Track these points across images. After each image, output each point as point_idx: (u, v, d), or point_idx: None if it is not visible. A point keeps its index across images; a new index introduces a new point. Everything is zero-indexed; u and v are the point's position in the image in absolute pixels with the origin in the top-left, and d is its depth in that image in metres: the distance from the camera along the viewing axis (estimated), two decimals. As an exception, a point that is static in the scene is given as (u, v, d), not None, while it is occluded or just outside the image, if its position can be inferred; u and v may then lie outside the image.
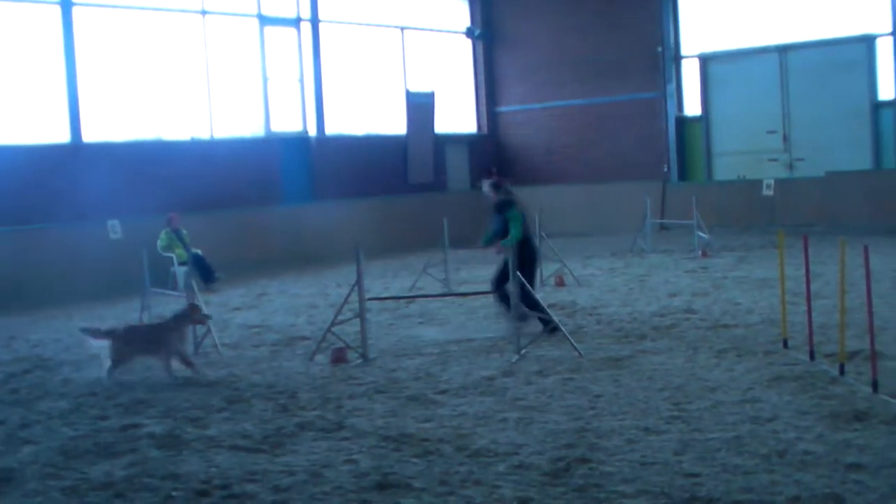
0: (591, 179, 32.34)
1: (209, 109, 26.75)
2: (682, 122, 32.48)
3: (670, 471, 7.34)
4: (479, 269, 21.16)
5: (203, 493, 7.40)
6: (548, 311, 12.76)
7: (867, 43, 29.28)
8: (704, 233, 22.69)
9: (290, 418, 9.45)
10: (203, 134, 26.69)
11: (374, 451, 8.26)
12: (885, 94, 29.13)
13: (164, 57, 25.75)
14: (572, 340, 12.07)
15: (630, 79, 32.67)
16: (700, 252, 22.07)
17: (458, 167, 33.83)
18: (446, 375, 11.04)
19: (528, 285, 12.52)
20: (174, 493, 7.43)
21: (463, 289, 18.05)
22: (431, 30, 33.55)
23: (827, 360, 10.57)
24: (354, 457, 8.12)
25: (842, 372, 9.90)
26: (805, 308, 11.38)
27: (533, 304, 12.60)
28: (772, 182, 28.06)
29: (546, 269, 18.62)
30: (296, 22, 29.04)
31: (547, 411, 9.21)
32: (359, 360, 12.07)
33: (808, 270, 11.22)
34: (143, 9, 25.19)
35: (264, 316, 16.51)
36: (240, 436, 8.90)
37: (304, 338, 14.04)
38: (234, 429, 9.14)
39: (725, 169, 31.48)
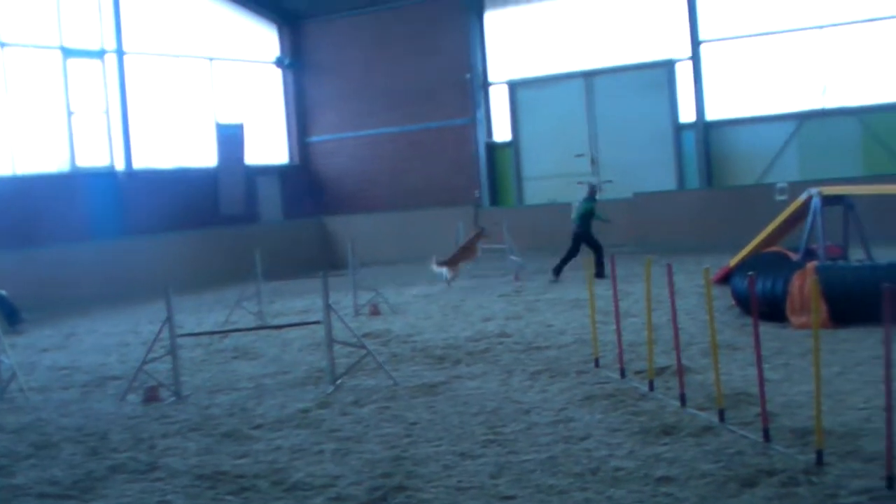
0: (405, 206, 32.51)
1: (11, 145, 25.99)
2: (493, 148, 32.93)
3: (486, 494, 7.36)
4: (294, 300, 21.05)
5: (8, 545, 7.12)
6: None
7: (668, 68, 30.20)
8: (517, 256, 22.98)
9: (100, 461, 9.16)
10: (5, 170, 25.91)
11: (189, 490, 8.08)
12: (686, 116, 30.05)
13: (-40, 92, 24.97)
14: (387, 369, 12.06)
15: (440, 106, 32.96)
16: (513, 276, 22.33)
17: (270, 198, 33.60)
18: (261, 409, 10.88)
19: None
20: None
21: (277, 321, 17.89)
22: (240, 60, 33.31)
23: (637, 376, 10.79)
24: (168, 497, 7.92)
25: (651, 388, 10.12)
26: (615, 327, 11.60)
27: None
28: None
29: (360, 298, 18.59)
30: (100, 54, 28.49)
31: (363, 441, 9.15)
32: (172, 398, 11.81)
33: (615, 290, 11.46)
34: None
35: (74, 356, 16.04)
36: (48, 482, 8.58)
37: (116, 377, 13.67)
38: (42, 475, 8.81)
39: (536, 193, 32.02)
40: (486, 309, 17.88)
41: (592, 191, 22.74)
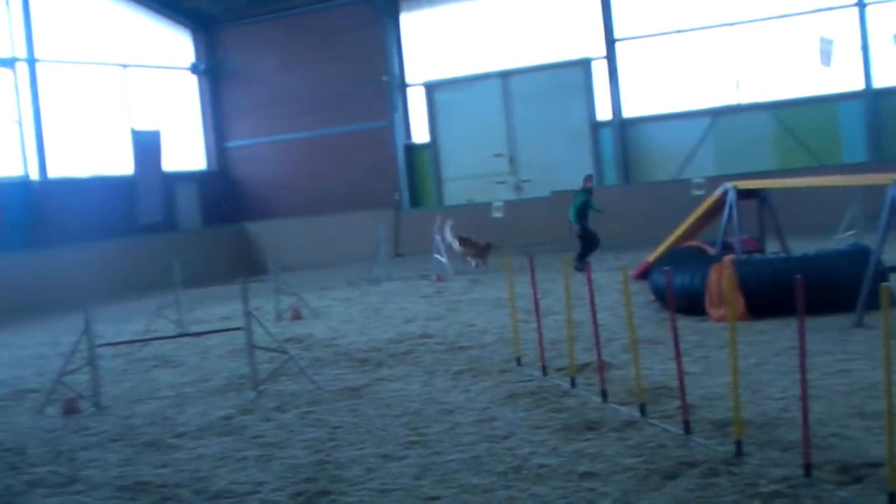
0: (325, 210, 32.40)
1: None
2: (411, 150, 32.96)
3: (411, 496, 7.35)
4: (214, 307, 20.88)
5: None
6: None
7: (584, 66, 30.43)
8: (441, 257, 23.03)
9: (19, 476, 9.00)
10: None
11: (110, 502, 7.98)
12: (602, 114, 30.29)
13: None
14: (309, 374, 12.00)
15: (358, 109, 32.92)
16: (435, 277, 22.35)
17: (188, 205, 33.32)
18: (183, 418, 10.77)
19: None
20: None
21: (198, 328, 17.71)
22: (155, 66, 33.00)
23: (559, 374, 10.84)
24: (88, 510, 7.83)
25: (573, 384, 10.17)
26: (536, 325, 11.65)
27: None
28: (501, 204, 28.80)
29: (281, 303, 18.50)
30: (10, 62, 28.08)
31: (286, 446, 9.10)
32: (91, 410, 11.65)
33: (535, 289, 11.50)
34: None
35: (-11, 370, 15.77)
36: (-36, 500, 8.44)
37: (33, 390, 13.44)
38: (-41, 492, 8.67)
39: (455, 193, 32.08)
40: (408, 310, 17.88)
41: (589, 181, 22.59)
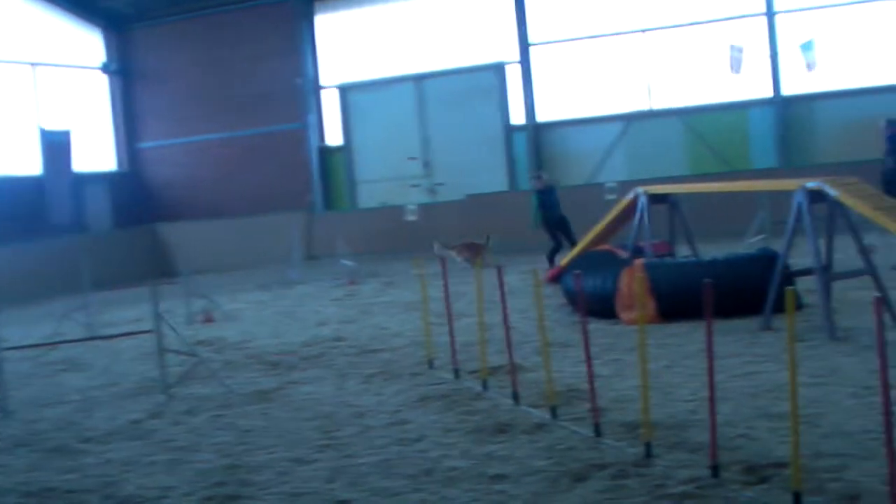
0: (238, 213, 32.14)
1: None
2: (325, 152, 32.82)
3: (322, 499, 7.32)
4: (125, 310, 20.64)
5: None
6: None
7: (498, 70, 30.52)
8: (351, 260, 22.96)
9: (-80, 481, 8.84)
10: None
11: (15, 508, 7.86)
12: (516, 118, 30.41)
13: None
14: (220, 377, 11.92)
15: (272, 110, 32.71)
16: (347, 280, 22.29)
17: (99, 206, 32.80)
18: (91, 422, 10.63)
19: None
20: None
21: (107, 331, 17.49)
22: (65, 66, 32.50)
23: (471, 376, 10.87)
24: (-8, 516, 7.69)
25: (485, 387, 10.20)
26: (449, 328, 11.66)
27: None
28: (414, 207, 28.81)
29: (193, 306, 18.33)
30: (-85, 61, 27.51)
31: (197, 451, 9.01)
32: (-3, 414, 11.46)
33: (447, 291, 11.52)
34: None
35: None
36: None
37: (-64, 395, 13.19)
38: None
39: (369, 196, 32.02)
40: (321, 313, 17.81)
41: (539, 182, 22.06)
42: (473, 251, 23.28)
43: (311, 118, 32.48)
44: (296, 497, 7.43)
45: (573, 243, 19.91)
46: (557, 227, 21.17)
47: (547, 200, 21.39)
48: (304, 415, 9.97)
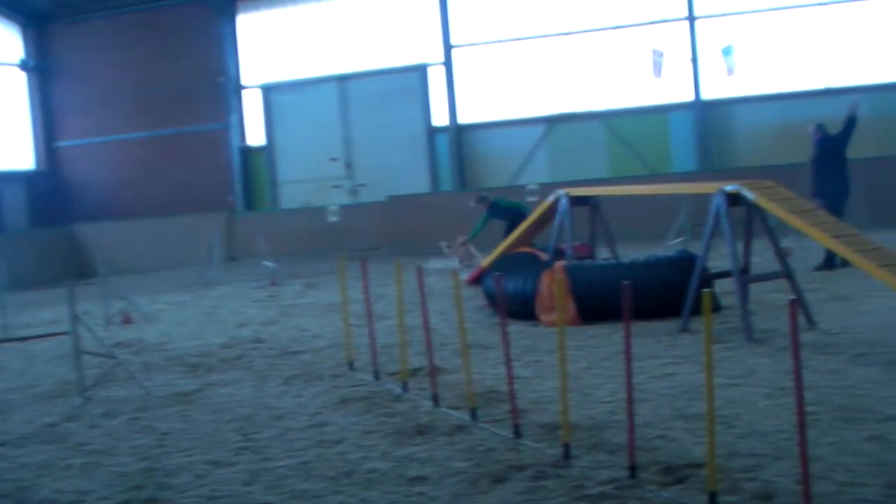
0: (159, 213, 31.92)
1: None
2: (247, 152, 32.68)
3: (240, 502, 7.26)
4: (42, 311, 20.36)
5: None
6: None
7: (421, 72, 30.57)
8: (272, 261, 22.83)
9: None
10: None
11: (-76, 513, 7.70)
12: (439, 120, 30.47)
13: None
14: (138, 379, 11.79)
15: (194, 110, 32.52)
16: (268, 281, 22.17)
17: (15, 206, 32.39)
18: (5, 426, 10.44)
19: None
20: None
21: (23, 333, 17.24)
22: (-19, 63, 32.05)
23: (391, 378, 10.84)
24: None
25: (405, 389, 10.18)
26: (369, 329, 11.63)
27: None
28: (336, 208, 28.76)
29: (111, 307, 18.12)
30: None
31: (113, 454, 8.89)
32: None
33: (367, 293, 11.49)
34: None
35: None
36: None
37: None
38: None
39: (291, 197, 31.94)
40: (241, 315, 17.70)
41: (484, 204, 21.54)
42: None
43: (233, 118, 32.32)
44: (214, 500, 7.36)
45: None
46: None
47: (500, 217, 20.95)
48: (223, 417, 9.88)
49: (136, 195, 33.17)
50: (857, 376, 9.27)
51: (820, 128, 18.26)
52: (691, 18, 28.37)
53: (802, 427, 5.57)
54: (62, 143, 34.41)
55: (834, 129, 18.20)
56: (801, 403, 5.57)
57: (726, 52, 27.70)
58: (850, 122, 17.97)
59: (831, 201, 17.06)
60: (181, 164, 32.77)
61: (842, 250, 10.74)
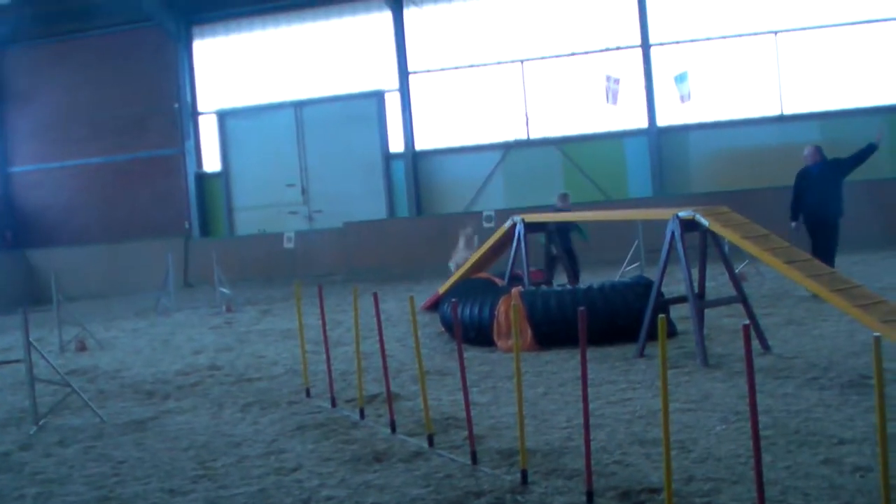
0: (114, 239, 31.73)
1: None
2: (203, 178, 32.57)
3: (196, 531, 7.22)
4: (-4, 337, 20.18)
5: None
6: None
7: (377, 98, 30.63)
8: (228, 288, 22.75)
9: None
10: None
11: None
12: (395, 146, 30.52)
13: None
14: (93, 407, 11.69)
15: (149, 135, 32.41)
16: (224, 307, 22.08)
17: (-33, 232, 32.14)
18: (-43, 455, 10.33)
19: None
20: None
21: (-24, 359, 17.06)
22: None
23: (348, 405, 10.81)
24: None
25: (362, 416, 10.16)
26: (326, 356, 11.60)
27: None
28: (292, 234, 28.67)
29: (66, 334, 17.98)
30: None
31: (68, 483, 8.80)
32: None
33: (324, 319, 11.47)
34: None
35: None
36: None
37: None
38: None
39: (247, 223, 31.86)
40: (197, 342, 17.60)
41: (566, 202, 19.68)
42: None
43: (189, 144, 32.22)
44: (170, 529, 7.32)
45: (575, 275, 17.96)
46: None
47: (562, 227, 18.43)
48: (180, 445, 9.81)
49: (90, 221, 32.97)
50: (812, 400, 9.34)
51: (819, 150, 17.03)
52: (645, 46, 28.62)
53: (757, 451, 5.61)
54: (15, 169, 34.17)
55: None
56: (755, 428, 5.61)
57: (680, 79, 27.92)
58: (868, 150, 16.73)
59: (814, 219, 16.53)
60: (136, 190, 32.63)
61: (794, 276, 10.83)
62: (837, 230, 16.68)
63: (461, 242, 20.76)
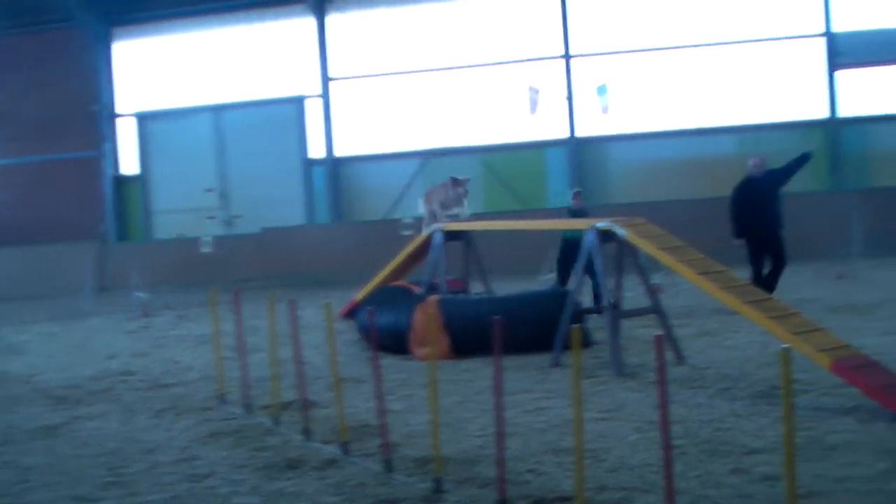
0: (28, 241, 31.22)
1: None
2: (120, 181, 32.24)
3: (105, 538, 7.13)
4: None
5: None
6: None
7: (298, 104, 30.54)
8: (144, 292, 22.51)
9: None
10: None
11: None
12: (315, 152, 30.44)
13: None
14: (1, 412, 11.51)
15: (67, 137, 31.99)
16: (140, 312, 21.85)
17: None
18: None
19: None
20: None
21: None
22: None
23: (262, 412, 10.74)
24: None
25: (276, 423, 10.10)
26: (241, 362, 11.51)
27: None
28: (210, 239, 28.48)
29: (-24, 338, 17.69)
30: None
31: (-26, 489, 8.67)
32: None
33: (240, 325, 11.39)
34: None
35: None
36: None
37: None
38: None
39: (165, 227, 31.58)
40: (112, 346, 17.38)
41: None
42: None
43: (107, 146, 31.88)
44: (78, 536, 7.22)
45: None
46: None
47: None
48: (90, 451, 9.68)
49: (4, 223, 32.45)
50: (723, 410, 9.45)
51: (764, 161, 16.94)
52: (567, 57, 28.82)
53: (668, 461, 5.66)
54: (-73, 169, 33.60)
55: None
56: (667, 438, 5.67)
57: (601, 90, 28.19)
58: (804, 158, 16.83)
59: (760, 236, 16.44)
60: (52, 192, 32.18)
61: (708, 287, 10.93)
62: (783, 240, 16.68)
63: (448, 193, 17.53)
